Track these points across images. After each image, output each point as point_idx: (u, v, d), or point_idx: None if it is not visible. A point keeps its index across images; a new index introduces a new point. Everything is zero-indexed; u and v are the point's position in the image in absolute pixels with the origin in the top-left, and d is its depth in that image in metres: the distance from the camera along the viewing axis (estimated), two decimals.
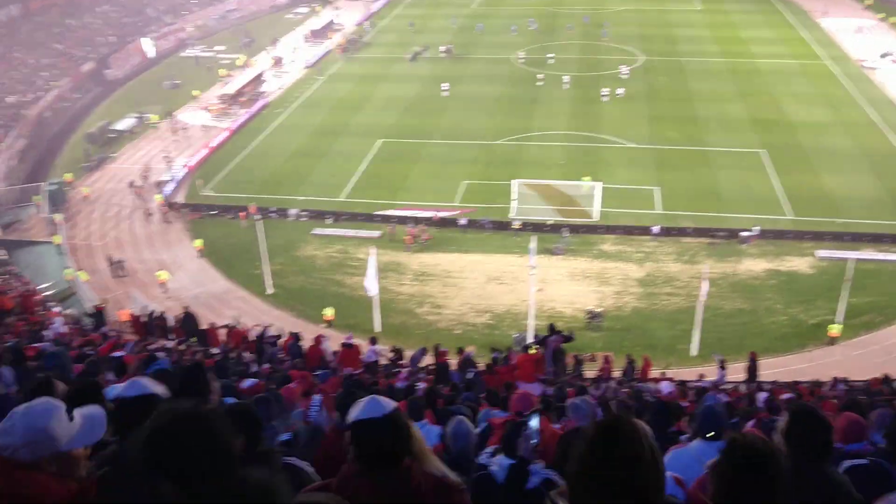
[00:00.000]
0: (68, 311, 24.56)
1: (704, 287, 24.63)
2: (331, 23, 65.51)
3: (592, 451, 1.91)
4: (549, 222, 33.87)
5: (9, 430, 2.51)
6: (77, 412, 2.65)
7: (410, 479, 2.84)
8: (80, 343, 14.14)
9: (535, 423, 4.35)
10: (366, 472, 2.79)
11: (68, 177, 40.29)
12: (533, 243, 26.72)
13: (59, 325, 17.18)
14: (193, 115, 48.14)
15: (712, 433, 4.41)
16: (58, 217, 35.75)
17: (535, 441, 4.27)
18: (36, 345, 11.81)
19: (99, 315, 21.78)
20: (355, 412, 2.86)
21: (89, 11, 59.72)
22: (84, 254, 33.85)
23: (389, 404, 2.90)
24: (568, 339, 17.93)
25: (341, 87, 52.50)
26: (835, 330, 25.75)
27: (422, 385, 11.38)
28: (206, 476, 1.95)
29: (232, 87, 50.87)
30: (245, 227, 33.87)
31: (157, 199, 37.69)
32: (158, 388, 3.29)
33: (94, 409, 2.74)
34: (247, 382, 8.88)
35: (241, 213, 35.51)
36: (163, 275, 31.09)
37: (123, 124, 46.58)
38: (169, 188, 38.78)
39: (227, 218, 36.20)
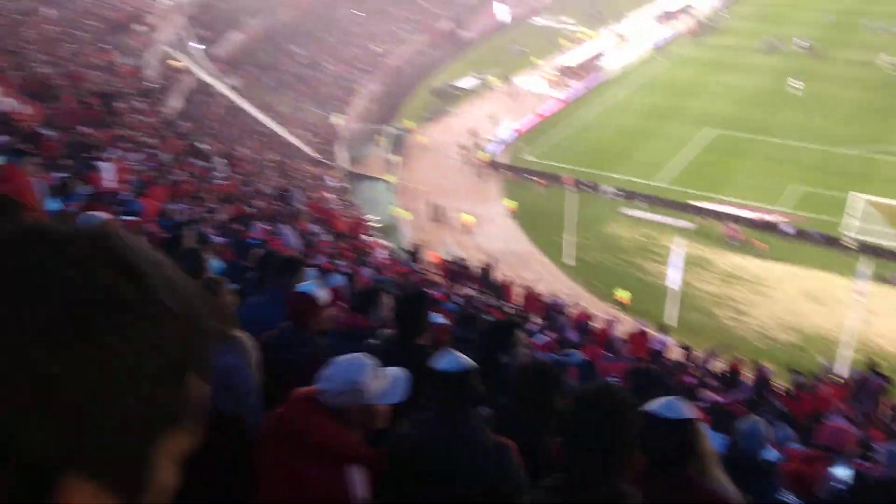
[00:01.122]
0: (388, 244, 26.94)
1: None
2: (686, 6, 63.03)
3: None
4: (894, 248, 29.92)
5: (329, 377, 2.82)
6: (385, 371, 2.87)
7: (689, 490, 2.74)
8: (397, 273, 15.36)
9: (845, 472, 3.79)
10: (646, 470, 2.64)
11: (410, 124, 43.85)
12: (867, 267, 23.73)
13: (380, 254, 18.87)
14: (530, 81, 49.55)
15: None
16: (395, 158, 39.29)
17: (842, 488, 3.71)
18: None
19: (413, 253, 23.60)
20: (652, 407, 2.77)
21: None
22: (410, 195, 36.76)
23: (688, 409, 2.80)
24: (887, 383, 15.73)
25: (682, 71, 50.63)
26: None
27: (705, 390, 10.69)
28: None
29: (572, 59, 51.43)
30: (544, 194, 34.38)
31: (483, 156, 39.68)
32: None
33: (399, 371, 2.92)
34: (541, 339, 8.99)
35: (564, 179, 36.06)
36: (468, 218, 32.96)
37: (465, 83, 49.39)
38: (495, 147, 40.60)
39: (542, 184, 37.05)
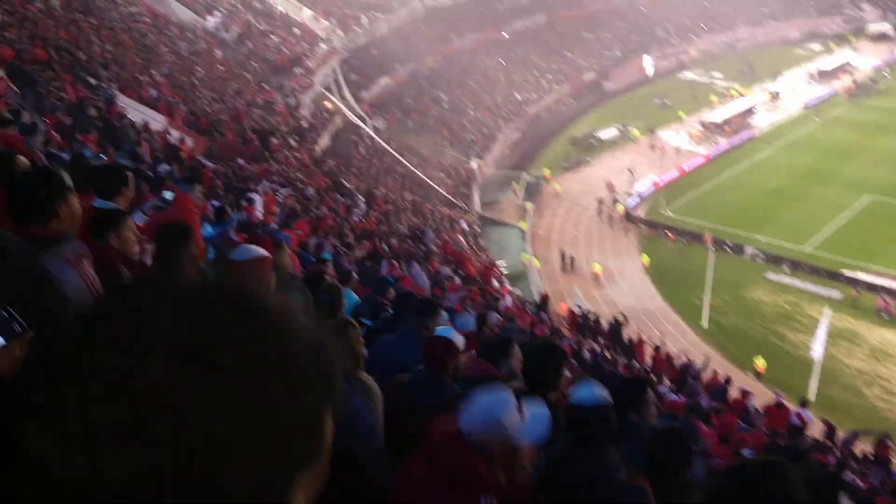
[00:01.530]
0: (517, 291, 26.86)
1: None
2: (844, 64, 60.15)
3: None
4: None
5: (471, 413, 2.80)
6: (526, 409, 2.82)
7: None
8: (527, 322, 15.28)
9: None
10: None
11: (546, 172, 43.87)
12: None
13: (508, 301, 18.84)
14: (673, 135, 48.57)
15: None
16: (529, 205, 39.36)
17: None
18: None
19: (542, 303, 23.39)
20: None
21: (604, 26, 63.80)
22: (541, 243, 36.63)
23: None
24: None
25: (838, 133, 48.13)
26: None
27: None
28: None
29: (719, 115, 50.05)
30: (682, 252, 33.27)
31: (619, 208, 39.07)
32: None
33: (541, 409, 2.86)
34: (671, 396, 8.63)
35: (705, 237, 34.98)
36: (597, 267, 32.48)
37: (606, 133, 49.01)
38: (632, 200, 39.90)
39: (680, 241, 36.00)
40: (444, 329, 4.55)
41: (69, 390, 0.62)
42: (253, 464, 0.65)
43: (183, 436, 0.62)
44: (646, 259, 34.36)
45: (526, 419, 2.81)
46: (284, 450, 0.67)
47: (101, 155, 11.85)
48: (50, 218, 3.42)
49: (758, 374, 25.32)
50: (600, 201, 39.68)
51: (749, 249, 34.49)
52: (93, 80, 20.18)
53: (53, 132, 12.56)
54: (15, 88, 14.90)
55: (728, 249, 34.34)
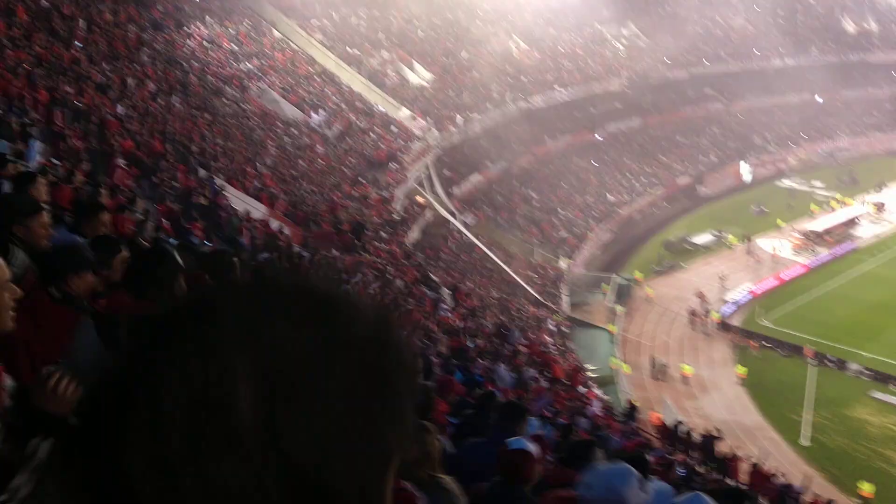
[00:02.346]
0: (605, 397, 26.06)
1: None
2: None
3: None
4: None
5: (590, 484, 2.77)
6: (649, 484, 2.76)
7: None
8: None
9: None
10: None
11: (638, 275, 43.14)
12: None
13: (596, 407, 18.26)
14: (771, 243, 47.21)
15: None
16: (619, 309, 38.60)
17: None
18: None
19: (631, 410, 22.58)
20: None
21: (700, 132, 63.64)
22: (631, 348, 35.66)
23: None
24: None
25: None
26: None
27: None
28: None
29: (820, 225, 48.55)
30: (778, 363, 31.69)
31: (714, 316, 37.85)
32: None
33: (663, 485, 2.78)
34: None
35: (805, 350, 33.46)
36: (687, 369, 31.20)
37: (701, 239, 48.10)
38: (728, 308, 38.65)
39: (778, 353, 34.45)
40: (517, 440, 4.43)
41: (164, 406, 0.62)
42: (356, 462, 0.66)
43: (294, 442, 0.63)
44: (741, 370, 32.92)
45: (650, 495, 2.73)
46: (383, 447, 0.70)
47: (206, 242, 12.35)
48: (162, 293, 3.82)
49: (864, 501, 23.47)
50: (693, 312, 38.57)
51: (853, 365, 32.64)
52: (203, 171, 21.29)
53: (163, 219, 13.21)
54: (133, 178, 15.84)
55: (830, 364, 32.61)
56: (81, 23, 26.38)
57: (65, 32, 24.66)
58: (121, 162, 15.60)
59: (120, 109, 21.78)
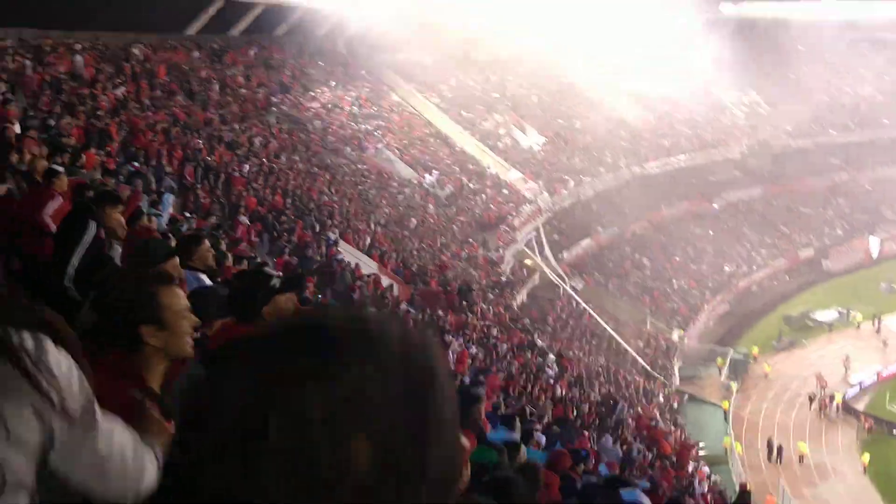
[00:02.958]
0: (715, 477, 24.72)
1: None
2: None
3: None
4: None
5: None
6: None
7: None
8: None
9: None
10: None
11: (755, 350, 41.17)
12: None
13: (703, 487, 17.32)
14: None
15: None
16: (733, 384, 36.82)
17: None
18: None
19: (743, 492, 21.26)
20: None
21: (825, 204, 60.90)
22: (746, 427, 33.85)
23: None
24: None
25: None
26: None
27: None
28: None
29: None
30: None
31: (838, 398, 35.52)
32: None
33: None
34: None
35: None
36: (802, 447, 29.85)
37: (824, 315, 45.55)
38: (852, 390, 36.23)
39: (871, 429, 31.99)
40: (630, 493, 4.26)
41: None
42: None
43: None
44: (866, 458, 30.57)
45: None
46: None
47: (318, 296, 12.66)
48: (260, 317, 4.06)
49: None
50: (815, 387, 36.35)
51: None
52: (318, 227, 22.03)
53: (280, 272, 13.67)
54: (255, 232, 16.55)
55: None
56: (216, 85, 28.18)
57: (201, 94, 26.39)
58: (243, 218, 16.34)
59: (246, 167, 22.94)
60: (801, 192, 60.43)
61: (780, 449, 31.18)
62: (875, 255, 56.63)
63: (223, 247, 10.09)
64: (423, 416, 0.74)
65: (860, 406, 35.46)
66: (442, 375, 0.78)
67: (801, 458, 30.44)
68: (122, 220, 5.89)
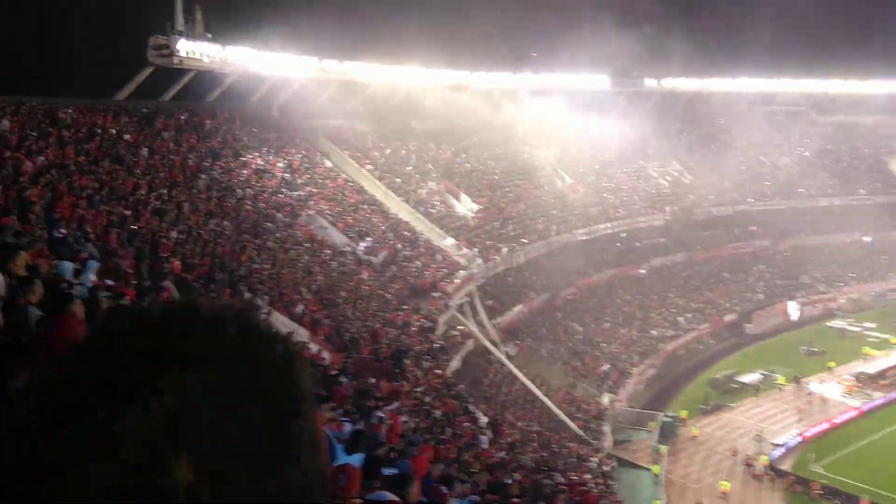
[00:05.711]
0: None
1: None
2: None
3: None
4: None
5: None
6: None
7: None
8: None
9: None
10: None
11: (683, 413, 41.84)
12: None
13: None
14: (822, 386, 45.67)
15: None
16: (664, 448, 37.20)
17: None
18: None
19: None
20: None
21: (746, 270, 63.18)
22: (676, 491, 34.13)
23: None
24: None
25: None
26: None
27: None
28: None
29: (874, 367, 46.96)
30: None
31: (763, 460, 36.25)
32: None
33: None
34: None
35: (862, 501, 31.70)
36: (725, 485, 30.89)
37: (749, 378, 46.78)
38: (777, 451, 37.03)
39: (834, 501, 32.65)
40: None
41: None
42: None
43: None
44: None
45: None
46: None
47: None
48: None
49: None
50: (734, 452, 37.09)
51: None
52: (248, 294, 21.72)
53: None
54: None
55: None
56: (144, 150, 27.88)
57: (128, 158, 26.04)
58: (167, 283, 16.03)
59: (173, 233, 22.59)
60: (724, 259, 62.69)
61: None
62: (794, 318, 58.74)
63: None
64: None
65: (786, 466, 36.19)
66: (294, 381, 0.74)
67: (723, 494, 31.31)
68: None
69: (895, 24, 71.60)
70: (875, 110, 76.66)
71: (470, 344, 38.79)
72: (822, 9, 68.74)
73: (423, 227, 44.07)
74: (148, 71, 37.83)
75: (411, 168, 50.30)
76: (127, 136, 29.12)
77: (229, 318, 0.73)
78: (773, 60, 70.20)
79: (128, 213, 21.27)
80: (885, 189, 72.21)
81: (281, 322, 22.14)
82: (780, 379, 46.64)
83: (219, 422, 0.65)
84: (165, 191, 26.19)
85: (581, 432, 37.45)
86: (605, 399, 42.73)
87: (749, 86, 73.21)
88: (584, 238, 54.38)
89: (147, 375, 0.65)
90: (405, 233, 42.47)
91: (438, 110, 54.22)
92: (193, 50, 38.48)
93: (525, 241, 50.14)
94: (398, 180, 47.60)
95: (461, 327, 39.32)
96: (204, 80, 41.53)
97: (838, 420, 40.69)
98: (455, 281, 40.42)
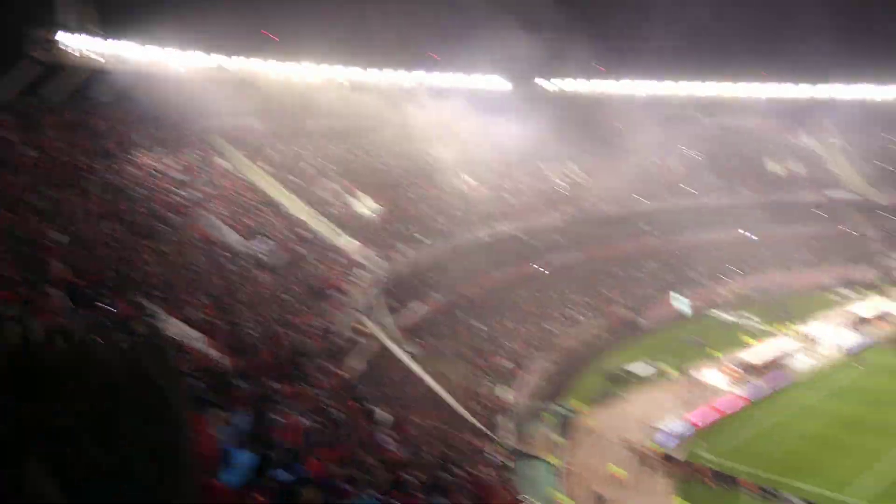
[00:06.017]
0: None
1: None
2: (884, 314, 59.79)
3: None
4: None
5: None
6: None
7: None
8: None
9: None
10: None
11: (577, 405, 43.25)
12: None
13: None
14: (708, 375, 48.07)
15: None
16: (560, 440, 38.40)
17: None
18: None
19: None
20: None
21: (638, 267, 65.79)
22: (574, 481, 35.27)
23: None
24: None
25: (882, 382, 47.19)
26: None
27: None
28: None
29: (756, 357, 49.74)
30: (718, 496, 31.64)
31: (654, 447, 37.90)
32: None
33: None
34: None
35: (744, 482, 33.63)
36: (621, 473, 32.77)
37: (639, 369, 48.78)
38: (667, 440, 38.79)
39: (720, 485, 34.49)
40: None
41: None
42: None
43: None
44: (682, 503, 32.74)
45: None
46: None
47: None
48: None
49: None
50: (634, 438, 38.65)
51: (790, 497, 32.80)
52: (143, 300, 21.19)
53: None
54: (71, 306, 15.72)
55: (769, 496, 32.71)
56: (31, 151, 26.74)
57: (13, 160, 24.92)
58: (53, 290, 15.52)
59: (60, 236, 21.80)
60: (617, 256, 65.10)
61: (604, 499, 32.73)
62: (685, 312, 61.56)
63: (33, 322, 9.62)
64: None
65: (676, 454, 37.94)
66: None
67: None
68: None
69: (778, 31, 76.00)
70: (756, 114, 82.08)
71: (372, 344, 38.92)
72: (714, 17, 72.13)
73: (322, 227, 43.87)
74: (38, 70, 36.17)
75: (309, 167, 49.94)
76: (11, 137, 27.83)
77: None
78: (666, 65, 73.48)
79: (10, 215, 20.40)
80: (764, 189, 76.73)
81: (177, 327, 21.70)
82: (667, 369, 48.82)
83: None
84: (53, 192, 25.21)
85: (483, 427, 38.18)
86: (506, 394, 43.70)
87: (641, 89, 76.41)
88: (486, 238, 55.36)
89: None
90: (304, 233, 42.19)
91: (336, 109, 54.06)
92: (80, 45, 37.04)
93: (427, 241, 50.63)
94: (296, 179, 47.18)
95: (363, 328, 39.39)
96: (97, 79, 40.06)
97: (726, 408, 42.95)
98: (356, 281, 40.47)
